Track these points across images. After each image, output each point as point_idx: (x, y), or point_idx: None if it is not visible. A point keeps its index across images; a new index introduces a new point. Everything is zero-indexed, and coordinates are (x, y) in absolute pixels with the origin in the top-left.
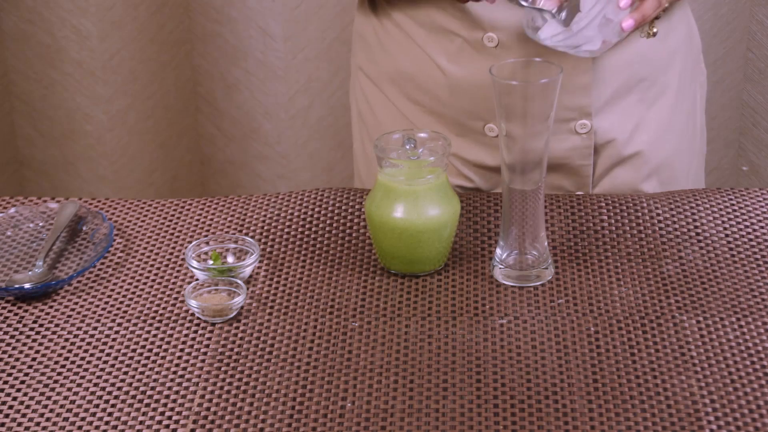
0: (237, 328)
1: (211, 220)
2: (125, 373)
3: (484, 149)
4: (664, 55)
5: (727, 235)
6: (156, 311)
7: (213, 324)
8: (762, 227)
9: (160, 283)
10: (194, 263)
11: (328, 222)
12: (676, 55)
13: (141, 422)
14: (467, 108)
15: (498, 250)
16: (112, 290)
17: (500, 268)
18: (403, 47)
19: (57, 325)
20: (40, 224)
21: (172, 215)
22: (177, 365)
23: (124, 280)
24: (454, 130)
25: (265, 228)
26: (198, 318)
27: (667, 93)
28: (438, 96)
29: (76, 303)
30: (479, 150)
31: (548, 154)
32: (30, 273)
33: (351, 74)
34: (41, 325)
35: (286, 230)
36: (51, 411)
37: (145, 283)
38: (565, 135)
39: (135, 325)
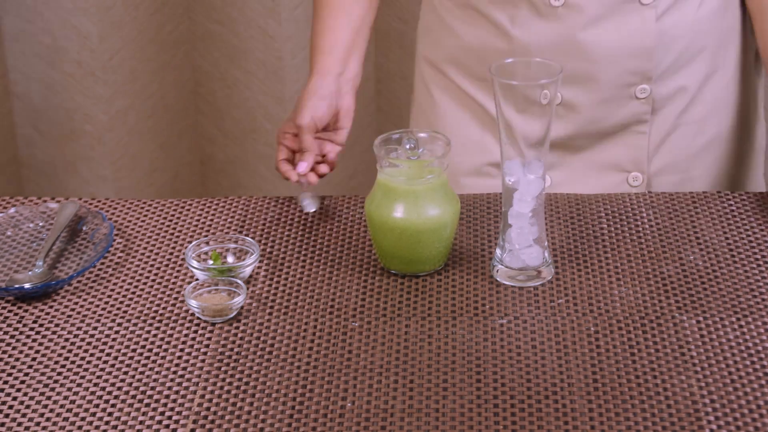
0: (237, 328)
1: (211, 220)
2: (125, 373)
3: (538, 120)
4: (724, 28)
5: (726, 237)
6: (156, 311)
7: (213, 324)
8: (762, 229)
9: (160, 283)
10: (194, 263)
11: (328, 222)
12: (734, 31)
13: (141, 422)
14: (527, 73)
15: (498, 250)
16: (112, 290)
17: (500, 268)
18: (467, 22)
19: (57, 325)
20: (40, 224)
21: (172, 215)
22: (177, 365)
23: (124, 280)
24: (520, 105)
25: (266, 228)
26: (198, 318)
27: (726, 67)
28: None
29: (76, 303)
30: (535, 122)
31: (606, 122)
32: (30, 273)
33: (415, 72)
34: (41, 325)
35: (286, 231)
36: (51, 411)
37: (145, 283)
38: (624, 100)
39: (135, 325)
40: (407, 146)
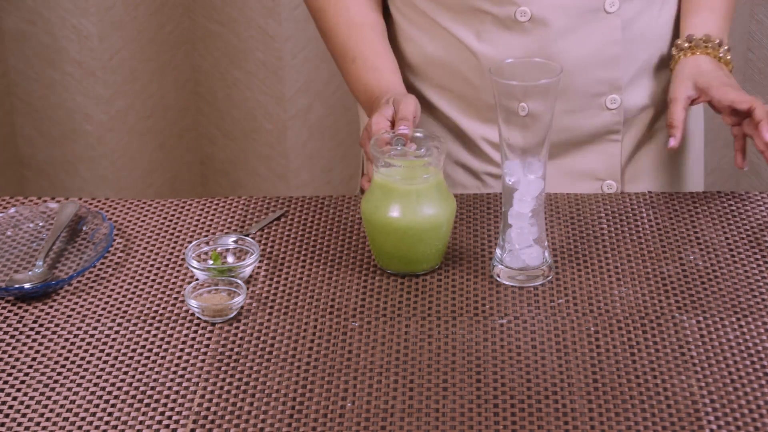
0: (237, 328)
1: (211, 220)
2: (125, 373)
3: (516, 130)
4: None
5: (726, 237)
6: (156, 311)
7: (213, 324)
8: (762, 229)
9: (160, 283)
10: (194, 263)
11: (328, 222)
12: None
13: (141, 422)
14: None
15: (498, 250)
16: (112, 290)
17: (500, 268)
18: (429, 33)
19: (57, 325)
20: (40, 224)
21: (172, 215)
22: (177, 365)
23: (124, 280)
24: (484, 114)
25: (265, 228)
26: (198, 318)
27: None
28: (468, 79)
29: (76, 303)
30: (511, 131)
31: (577, 132)
32: (30, 273)
33: None
34: (41, 325)
35: (286, 231)
36: (51, 411)
37: (145, 283)
38: (595, 111)
39: (135, 325)
40: (397, 147)
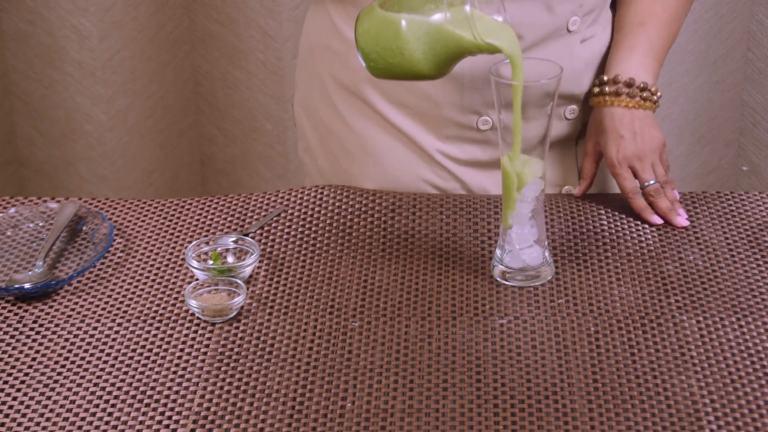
0: (237, 328)
1: (211, 220)
2: (125, 373)
3: (476, 146)
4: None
5: (726, 237)
6: (156, 311)
7: (213, 324)
8: (762, 229)
9: (160, 283)
10: (194, 263)
11: (328, 221)
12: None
13: (141, 422)
14: (460, 103)
15: (498, 250)
16: (112, 290)
17: (500, 268)
18: None
19: (57, 325)
20: (40, 224)
21: (172, 215)
22: (177, 365)
23: (124, 280)
24: (444, 131)
25: (265, 228)
26: (198, 318)
27: None
28: (429, 95)
29: (76, 303)
30: (471, 147)
31: (535, 140)
32: (30, 273)
33: (303, 89)
34: (41, 325)
35: (286, 230)
36: (51, 411)
37: (145, 283)
38: (554, 121)
39: (135, 325)
40: None
